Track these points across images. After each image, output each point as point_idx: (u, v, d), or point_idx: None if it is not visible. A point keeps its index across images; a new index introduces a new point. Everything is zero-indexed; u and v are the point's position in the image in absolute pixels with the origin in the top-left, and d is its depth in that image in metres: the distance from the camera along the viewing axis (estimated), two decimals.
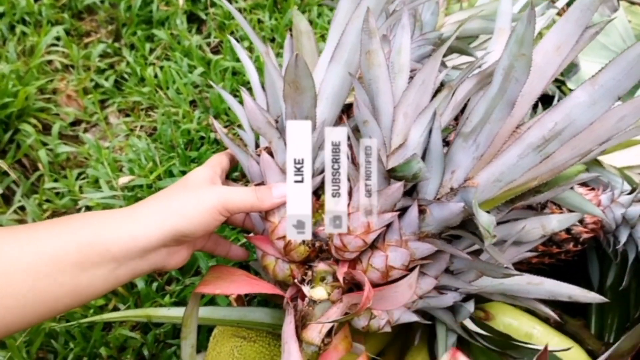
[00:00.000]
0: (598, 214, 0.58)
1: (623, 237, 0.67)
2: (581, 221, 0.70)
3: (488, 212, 0.52)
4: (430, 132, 0.49)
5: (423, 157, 0.51)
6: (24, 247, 0.46)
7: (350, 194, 0.52)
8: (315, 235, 0.55)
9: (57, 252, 0.47)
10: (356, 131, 0.54)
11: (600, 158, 0.79)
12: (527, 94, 0.48)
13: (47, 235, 0.47)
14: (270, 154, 0.57)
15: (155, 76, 1.16)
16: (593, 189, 0.72)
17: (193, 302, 0.58)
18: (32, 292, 0.45)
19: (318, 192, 0.57)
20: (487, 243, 0.47)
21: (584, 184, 0.74)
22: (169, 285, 0.88)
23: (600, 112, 0.45)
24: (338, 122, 0.57)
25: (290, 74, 0.49)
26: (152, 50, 1.21)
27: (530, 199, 0.53)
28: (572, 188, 0.70)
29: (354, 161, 0.53)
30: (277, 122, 0.56)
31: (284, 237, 0.54)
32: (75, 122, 1.13)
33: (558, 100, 0.50)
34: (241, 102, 0.58)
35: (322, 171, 0.56)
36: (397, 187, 0.48)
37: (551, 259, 0.72)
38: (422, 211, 0.50)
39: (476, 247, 0.57)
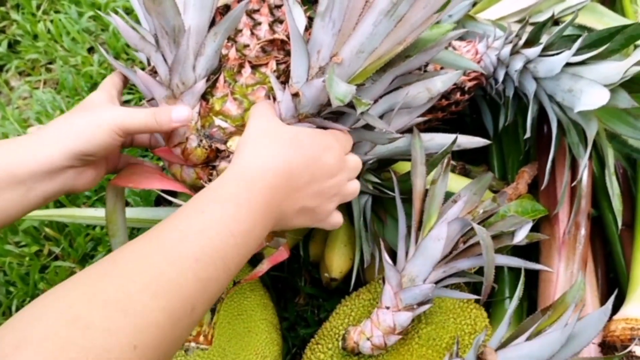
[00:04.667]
0: (473, 67, 0.63)
1: (500, 77, 0.73)
2: (463, 71, 0.75)
3: (363, 84, 0.56)
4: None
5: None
6: None
7: None
8: (210, 136, 0.57)
9: None
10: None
11: (476, 15, 0.85)
12: None
13: None
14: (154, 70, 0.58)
15: (48, 31, 1.14)
16: (471, 41, 0.77)
17: (111, 196, 0.60)
18: None
19: (206, 97, 0.59)
20: (359, 111, 0.50)
21: (461, 39, 0.79)
22: None
23: None
24: (211, 26, 0.59)
25: None
26: (39, 7, 1.18)
27: (403, 64, 0.56)
28: (447, 48, 0.75)
29: None
30: (156, 37, 0.57)
31: (179, 144, 0.57)
32: None
33: None
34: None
35: (204, 76, 0.59)
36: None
37: (444, 113, 0.78)
38: (296, 95, 0.54)
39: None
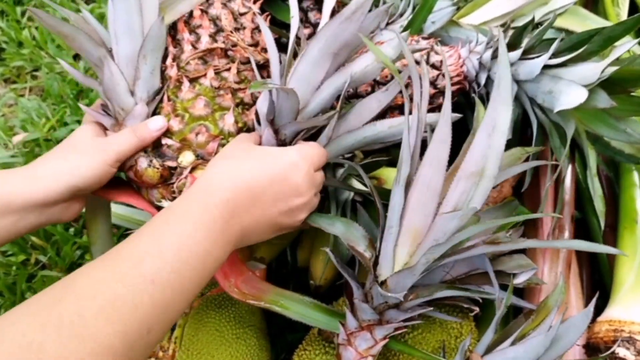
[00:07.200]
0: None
1: (483, 80, 0.73)
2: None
3: None
4: None
5: None
6: None
7: None
8: (162, 155, 0.58)
9: None
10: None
11: (460, 20, 0.85)
12: None
13: None
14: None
15: (33, 38, 1.14)
16: (453, 46, 0.77)
17: (91, 204, 0.61)
18: None
19: None
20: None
21: (444, 44, 0.79)
22: (85, 228, 0.90)
23: None
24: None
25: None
26: (23, 13, 1.18)
27: None
28: (429, 52, 0.75)
29: None
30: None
31: (131, 168, 0.57)
32: None
33: None
34: None
35: (147, 98, 0.58)
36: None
37: None
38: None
39: None
